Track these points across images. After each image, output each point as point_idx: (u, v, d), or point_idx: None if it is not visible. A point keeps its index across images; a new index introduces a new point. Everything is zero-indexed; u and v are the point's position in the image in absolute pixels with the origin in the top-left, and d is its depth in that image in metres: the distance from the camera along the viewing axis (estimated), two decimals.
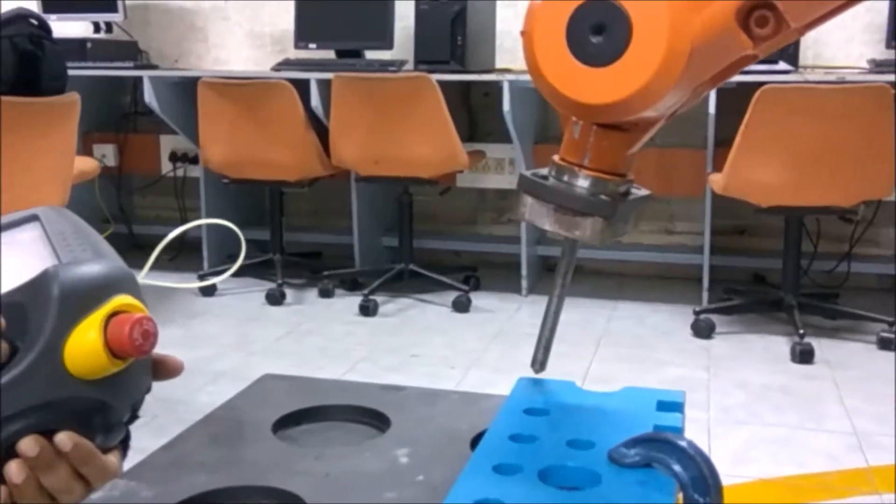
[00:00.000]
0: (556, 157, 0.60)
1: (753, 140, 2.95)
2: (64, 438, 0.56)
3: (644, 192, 0.62)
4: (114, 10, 4.19)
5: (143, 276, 0.66)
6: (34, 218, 0.66)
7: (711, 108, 3.31)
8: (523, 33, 0.56)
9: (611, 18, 0.52)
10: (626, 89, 0.52)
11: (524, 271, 3.75)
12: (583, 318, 3.43)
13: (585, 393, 0.64)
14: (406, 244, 3.77)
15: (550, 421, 0.59)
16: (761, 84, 2.90)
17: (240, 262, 0.94)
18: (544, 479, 0.52)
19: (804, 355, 2.94)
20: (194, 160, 4.18)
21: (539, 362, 0.65)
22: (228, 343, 3.19)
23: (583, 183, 0.58)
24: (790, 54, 3.29)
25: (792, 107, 2.88)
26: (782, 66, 3.23)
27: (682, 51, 0.51)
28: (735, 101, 3.08)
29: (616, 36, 0.52)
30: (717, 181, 3.14)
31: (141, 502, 0.52)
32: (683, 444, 0.50)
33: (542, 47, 0.55)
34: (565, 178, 0.59)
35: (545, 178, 0.60)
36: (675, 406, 0.61)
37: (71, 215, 0.67)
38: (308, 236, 4.23)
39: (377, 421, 0.64)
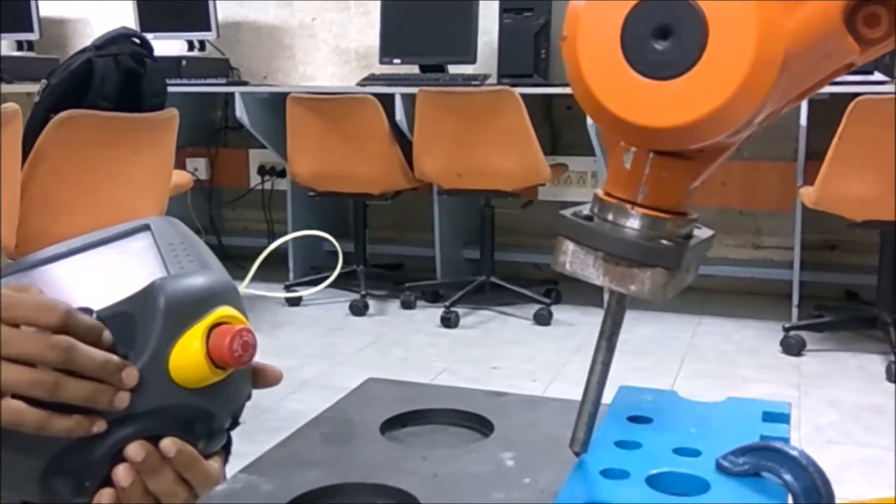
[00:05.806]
0: (599, 192, 0.49)
1: (847, 153, 2.87)
2: (169, 444, 0.58)
3: (708, 232, 0.51)
4: (207, 28, 4.34)
5: (245, 287, 0.69)
6: (146, 228, 0.70)
7: (803, 120, 3.24)
8: (564, 38, 0.46)
9: (680, 18, 0.42)
10: (699, 108, 0.42)
11: None
12: (666, 333, 3.38)
13: (688, 402, 0.64)
14: (487, 257, 3.79)
15: (655, 429, 0.60)
16: (855, 95, 2.82)
17: (337, 271, 0.96)
18: (652, 486, 0.52)
19: None
20: (282, 174, 4.29)
21: (580, 442, 0.54)
22: (313, 352, 3.25)
23: (637, 224, 0.47)
24: (886, 65, 3.19)
25: (888, 119, 2.79)
26: (878, 76, 3.14)
27: (774, 58, 0.41)
28: (826, 112, 3.00)
29: (686, 40, 0.42)
30: (808, 195, 3.06)
31: (262, 497, 0.54)
32: (795, 453, 0.50)
33: (588, 55, 0.44)
34: (611, 217, 0.48)
35: (590, 218, 0.49)
36: (782, 417, 0.61)
37: (180, 226, 0.70)
38: (391, 248, 4.28)
39: (481, 425, 0.65)
